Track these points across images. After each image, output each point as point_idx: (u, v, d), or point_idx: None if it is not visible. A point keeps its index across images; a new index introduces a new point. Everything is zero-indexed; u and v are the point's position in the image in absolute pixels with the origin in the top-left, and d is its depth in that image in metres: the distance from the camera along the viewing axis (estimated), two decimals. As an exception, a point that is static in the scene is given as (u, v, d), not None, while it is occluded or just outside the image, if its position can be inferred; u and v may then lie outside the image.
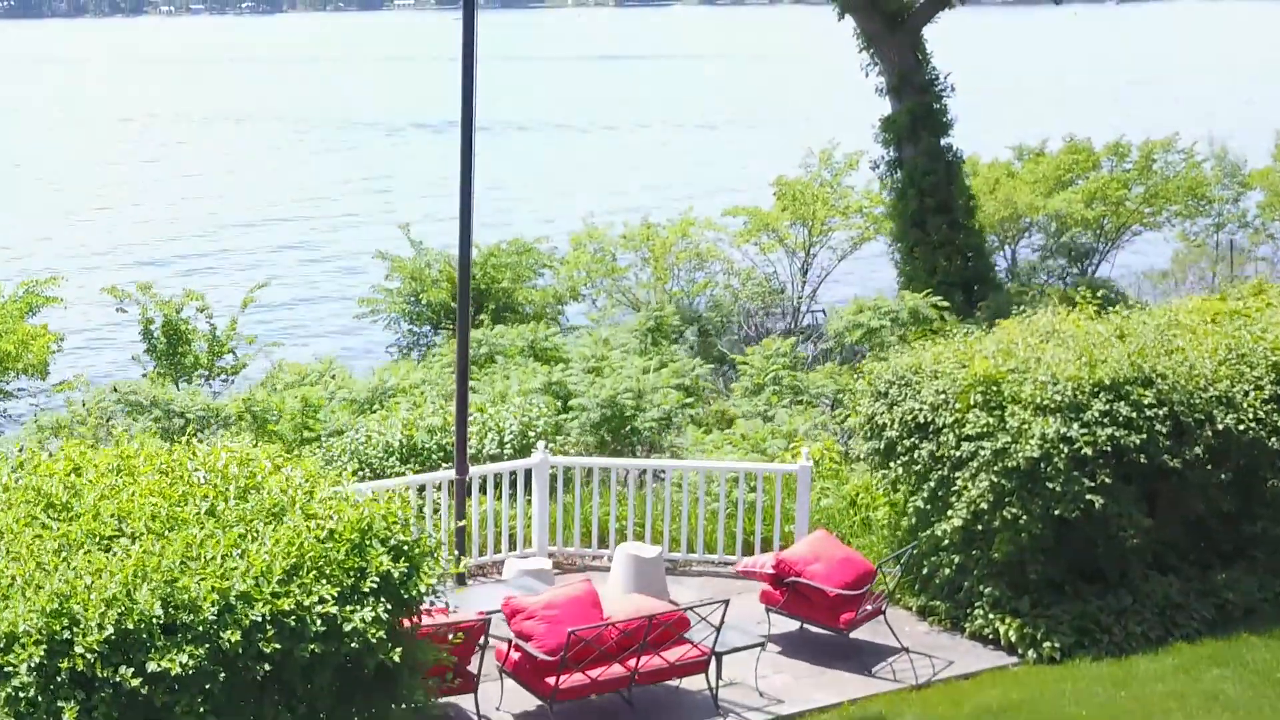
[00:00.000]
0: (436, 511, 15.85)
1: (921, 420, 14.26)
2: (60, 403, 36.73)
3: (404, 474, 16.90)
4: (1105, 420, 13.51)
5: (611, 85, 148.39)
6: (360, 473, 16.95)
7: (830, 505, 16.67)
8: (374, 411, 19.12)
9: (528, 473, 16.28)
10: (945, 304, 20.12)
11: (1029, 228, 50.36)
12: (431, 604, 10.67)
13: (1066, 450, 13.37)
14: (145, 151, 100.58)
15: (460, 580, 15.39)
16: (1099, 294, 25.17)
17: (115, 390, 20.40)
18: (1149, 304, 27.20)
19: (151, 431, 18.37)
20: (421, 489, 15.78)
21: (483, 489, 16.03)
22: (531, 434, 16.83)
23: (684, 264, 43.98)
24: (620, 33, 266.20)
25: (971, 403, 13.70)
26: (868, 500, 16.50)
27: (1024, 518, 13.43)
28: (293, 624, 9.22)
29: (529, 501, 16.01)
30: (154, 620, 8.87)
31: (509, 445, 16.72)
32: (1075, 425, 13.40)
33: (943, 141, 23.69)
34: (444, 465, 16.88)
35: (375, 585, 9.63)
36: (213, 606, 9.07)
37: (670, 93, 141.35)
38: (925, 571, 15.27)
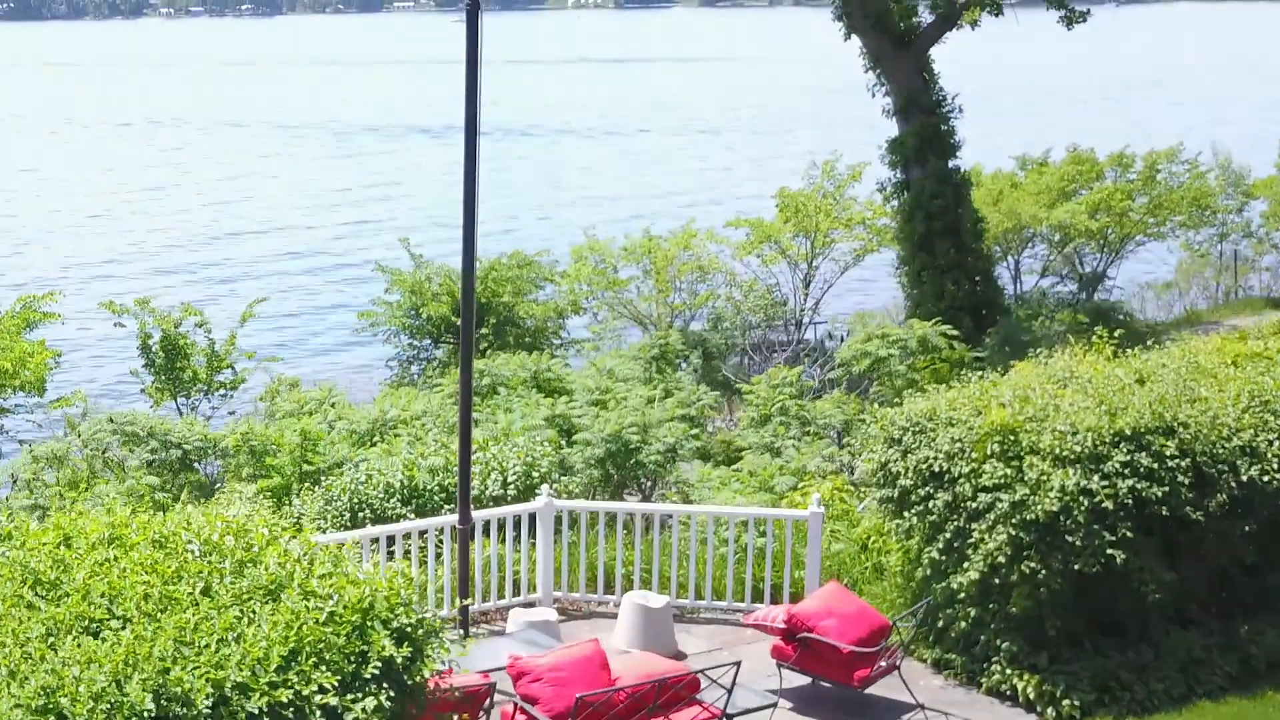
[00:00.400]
0: (440, 556, 15.51)
1: (936, 469, 13.88)
2: (58, 418, 36.47)
3: (405, 514, 16.54)
4: (1126, 471, 13.13)
5: (613, 89, 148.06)
6: (361, 513, 16.61)
7: (841, 550, 16.29)
8: (375, 444, 18.75)
9: (532, 516, 15.92)
10: (954, 332, 19.75)
11: (1032, 238, 50.10)
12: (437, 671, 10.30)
13: (1087, 503, 12.99)
14: (145, 158, 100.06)
15: (464, 628, 15.05)
16: (1109, 322, 24.78)
17: (112, 421, 20.01)
18: (1160, 329, 26.72)
19: (140, 476, 17.97)
20: (424, 534, 15.45)
21: (486, 533, 15.67)
22: (535, 474, 16.48)
23: (686, 276, 43.71)
24: (620, 35, 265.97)
25: (988, 452, 13.33)
26: (879, 544, 16.14)
27: (1043, 572, 13.05)
28: (291, 716, 8.83)
29: (533, 545, 15.65)
30: (145, 715, 8.48)
31: (512, 486, 16.36)
32: (1095, 477, 13.01)
33: (950, 164, 23.30)
34: (446, 507, 16.54)
35: (377, 671, 9.22)
36: (207, 699, 8.59)
37: (672, 97, 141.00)
38: (941, 624, 14.85)
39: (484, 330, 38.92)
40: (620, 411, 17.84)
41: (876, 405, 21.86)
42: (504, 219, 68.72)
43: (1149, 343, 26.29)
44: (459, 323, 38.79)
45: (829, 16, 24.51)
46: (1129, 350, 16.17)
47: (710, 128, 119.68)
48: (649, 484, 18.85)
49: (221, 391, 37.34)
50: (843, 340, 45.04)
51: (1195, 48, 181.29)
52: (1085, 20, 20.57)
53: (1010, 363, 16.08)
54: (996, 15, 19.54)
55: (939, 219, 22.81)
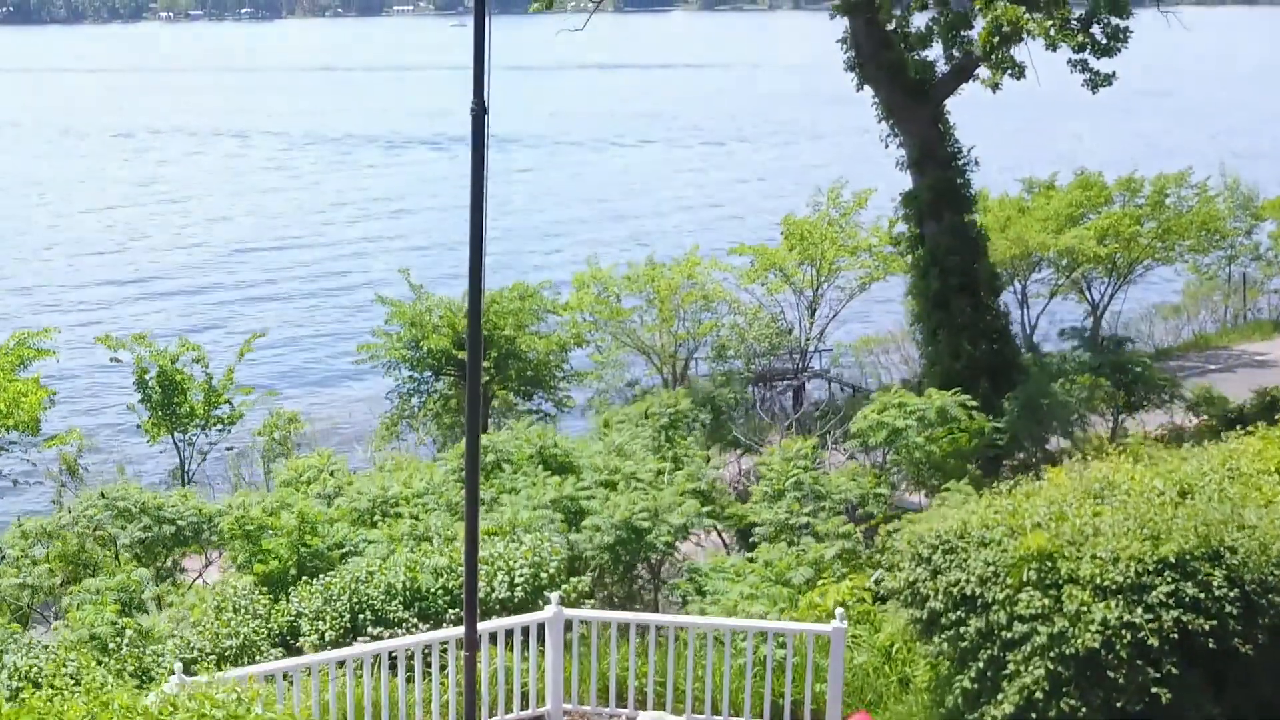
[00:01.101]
0: (444, 669, 14.80)
1: (969, 593, 13.10)
2: (53, 456, 35.84)
3: (407, 618, 15.84)
4: (1171, 603, 12.38)
5: (613, 96, 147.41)
6: (361, 614, 15.90)
7: (864, 661, 15.56)
8: (376, 523, 18.07)
9: (540, 626, 15.17)
10: (973, 403, 19.07)
11: (1039, 262, 49.51)
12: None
13: (1130, 637, 12.26)
14: (143, 172, 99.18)
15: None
16: (1127, 375, 24.11)
17: (104, 496, 19.31)
18: (1176, 383, 25.93)
19: (130, 571, 17.25)
20: (427, 649, 14.72)
21: (493, 641, 14.96)
22: (544, 575, 15.79)
23: (689, 305, 43.07)
24: (620, 39, 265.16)
25: (1024, 579, 12.59)
26: (904, 654, 15.41)
27: (1083, 709, 12.32)
28: None
29: (542, 653, 14.94)
30: None
31: (520, 588, 15.68)
32: (1139, 609, 12.26)
33: (966, 218, 22.63)
34: (450, 612, 15.82)
35: None
36: None
37: (673, 105, 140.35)
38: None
39: (485, 364, 38.30)
40: (630, 496, 17.17)
41: (892, 473, 21.19)
42: (505, 238, 68.04)
43: (1168, 399, 25.52)
44: (460, 356, 38.25)
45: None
46: (1161, 440, 15.51)
47: (712, 138, 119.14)
48: (659, 561, 18.22)
49: (219, 426, 36.86)
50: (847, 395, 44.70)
51: (1203, 54, 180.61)
52: (1111, 84, 19.93)
53: (1040, 466, 15.37)
54: (1018, 78, 18.88)
55: (955, 276, 22.14)
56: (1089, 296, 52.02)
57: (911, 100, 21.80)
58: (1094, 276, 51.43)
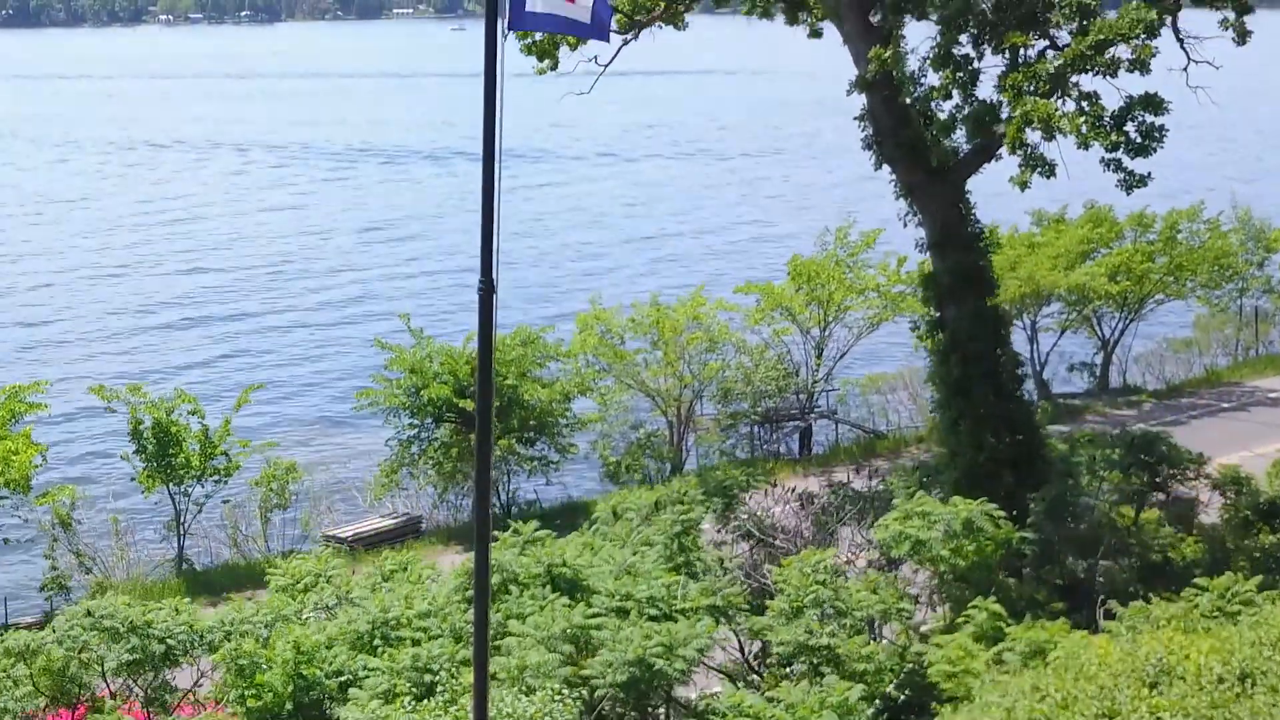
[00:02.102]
0: None
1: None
2: (45, 512, 35.10)
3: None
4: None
5: (614, 105, 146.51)
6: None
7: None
8: (376, 648, 17.23)
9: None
10: (999, 513, 18.26)
11: (1049, 297, 48.84)
12: None
13: None
14: (143, 190, 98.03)
15: None
16: (1153, 454, 23.31)
17: (89, 614, 18.47)
18: (1205, 459, 25.10)
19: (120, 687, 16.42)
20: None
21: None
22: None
23: (694, 346, 42.40)
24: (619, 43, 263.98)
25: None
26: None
27: None
28: None
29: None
30: None
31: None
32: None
33: (989, 302, 21.82)
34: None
35: None
36: None
37: (674, 115, 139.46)
38: None
39: (488, 413, 37.57)
40: (643, 628, 16.36)
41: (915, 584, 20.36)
42: (505, 267, 67.24)
43: (1194, 477, 24.64)
44: (462, 404, 37.49)
45: (857, 116, 22.83)
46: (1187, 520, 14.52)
47: (718, 152, 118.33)
48: (671, 687, 17.43)
49: (215, 477, 36.19)
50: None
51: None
52: (1146, 184, 19.10)
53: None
54: (1048, 177, 18.08)
55: (977, 363, 21.34)
56: (1099, 331, 51.36)
57: (932, 180, 21.02)
58: (1104, 311, 50.76)
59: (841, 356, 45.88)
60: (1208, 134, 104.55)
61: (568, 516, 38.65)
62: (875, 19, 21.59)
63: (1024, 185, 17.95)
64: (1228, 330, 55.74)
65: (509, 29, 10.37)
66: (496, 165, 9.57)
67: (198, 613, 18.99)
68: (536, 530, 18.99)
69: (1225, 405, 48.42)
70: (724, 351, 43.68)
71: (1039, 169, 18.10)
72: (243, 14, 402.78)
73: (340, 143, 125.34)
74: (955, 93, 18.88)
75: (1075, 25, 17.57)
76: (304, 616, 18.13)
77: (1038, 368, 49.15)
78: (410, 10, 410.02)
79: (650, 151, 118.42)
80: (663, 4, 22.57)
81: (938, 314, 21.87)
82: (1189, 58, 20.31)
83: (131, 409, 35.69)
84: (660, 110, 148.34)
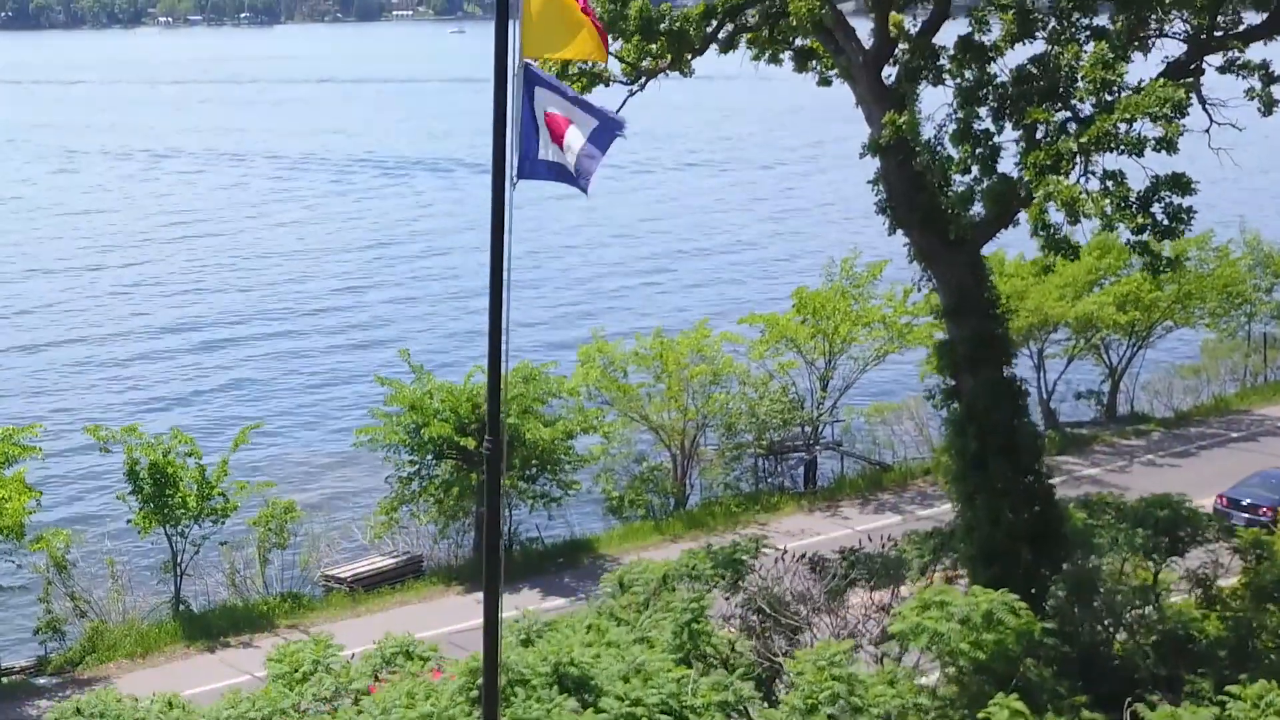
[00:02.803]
0: None
1: None
2: (40, 556, 34.50)
3: None
4: None
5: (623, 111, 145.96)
6: None
7: None
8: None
9: None
10: (1022, 604, 17.69)
11: (1056, 327, 48.41)
12: None
13: None
14: (142, 206, 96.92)
15: None
16: (1176, 526, 22.74)
17: (79, 713, 17.88)
18: (1227, 528, 24.55)
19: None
20: None
21: None
22: None
23: (698, 379, 41.96)
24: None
25: None
26: None
27: None
28: None
29: None
30: None
31: None
32: None
33: (1006, 372, 21.25)
34: None
35: None
36: None
37: (676, 125, 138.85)
38: None
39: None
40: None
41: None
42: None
43: (1214, 539, 24.08)
44: (463, 442, 36.97)
45: (870, 180, 22.27)
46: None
47: (720, 165, 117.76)
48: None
49: (212, 518, 35.69)
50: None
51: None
52: (1174, 269, 18.47)
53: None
54: (1072, 259, 17.56)
55: (995, 435, 20.75)
56: (1106, 359, 50.94)
57: (948, 247, 20.42)
58: (1112, 339, 50.30)
59: (847, 389, 45.42)
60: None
61: (570, 555, 38.12)
62: (889, 80, 21.01)
63: (1046, 270, 17.40)
64: (1236, 357, 55.31)
65: (517, 178, 10.03)
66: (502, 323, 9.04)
67: (190, 708, 18.41)
68: (542, 617, 18.43)
69: (1234, 435, 48.02)
70: (728, 384, 43.26)
71: (1063, 252, 17.53)
72: (242, 15, 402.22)
73: (340, 153, 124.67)
74: (975, 167, 18.28)
75: (1098, 99, 16.97)
76: (302, 709, 17.58)
77: (1045, 396, 48.70)
78: (410, 12, 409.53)
79: (659, 163, 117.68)
80: (669, 55, 21.98)
81: (953, 383, 21.28)
82: (1210, 119, 19.74)
83: (128, 449, 35.24)
84: (670, 119, 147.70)
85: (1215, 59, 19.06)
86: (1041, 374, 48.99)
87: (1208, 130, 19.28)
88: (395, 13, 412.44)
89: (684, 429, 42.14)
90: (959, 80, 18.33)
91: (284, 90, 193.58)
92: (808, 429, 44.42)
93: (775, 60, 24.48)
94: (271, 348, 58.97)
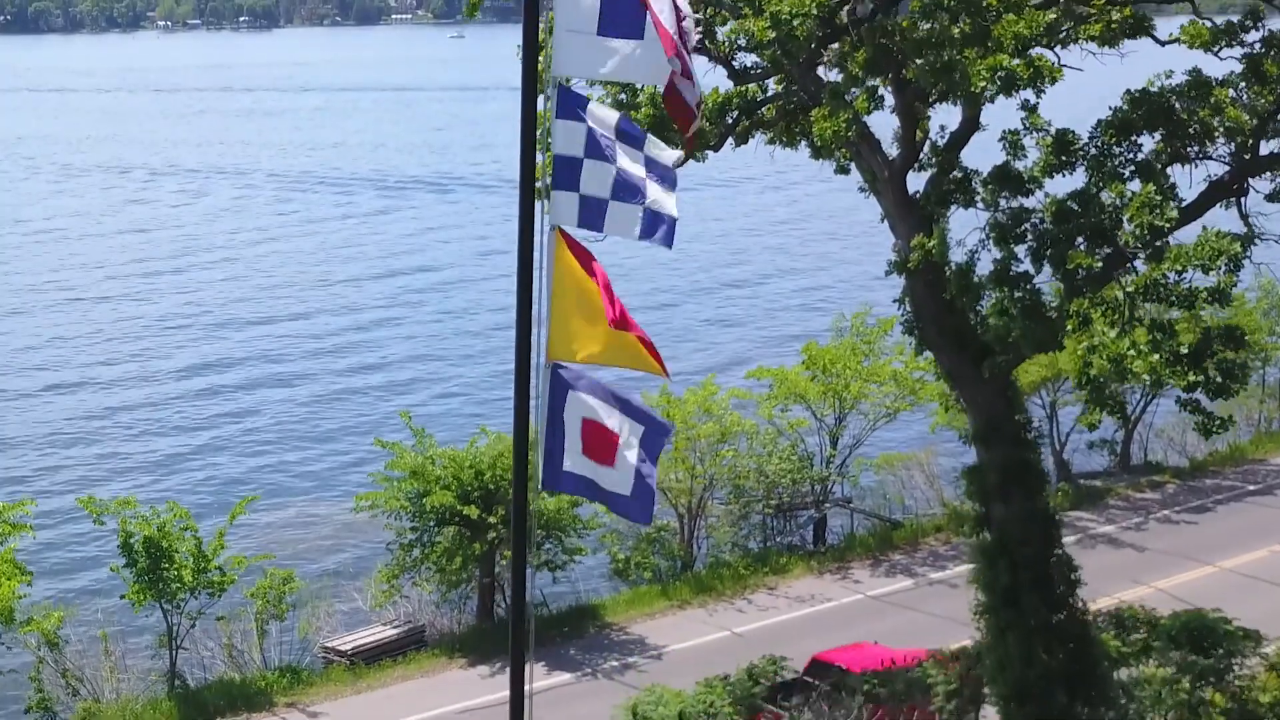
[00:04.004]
0: None
1: None
2: (33, 636, 33.65)
3: None
4: None
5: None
6: None
7: None
8: None
9: None
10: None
11: (1069, 378, 47.51)
12: None
13: None
14: (133, 241, 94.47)
15: None
16: (1210, 640, 21.83)
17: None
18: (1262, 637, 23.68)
19: None
20: None
21: None
22: None
23: (706, 437, 41.29)
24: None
25: None
26: None
27: None
28: None
29: None
30: None
31: None
32: None
33: (1039, 501, 20.31)
34: None
35: None
36: None
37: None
38: None
39: (492, 519, 36.34)
40: None
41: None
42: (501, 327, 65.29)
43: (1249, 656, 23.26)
44: (465, 511, 36.13)
45: (895, 299, 21.30)
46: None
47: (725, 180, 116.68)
48: None
49: (208, 591, 34.97)
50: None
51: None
52: (1226, 429, 17.60)
53: None
54: (1117, 416, 16.70)
55: (1027, 569, 19.83)
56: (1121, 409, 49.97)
57: (978, 370, 19.45)
58: (1125, 387, 49.37)
59: (857, 445, 44.73)
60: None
61: (576, 623, 37.26)
62: (915, 188, 20.08)
63: (1092, 426, 16.47)
64: (1250, 403, 54.49)
65: (542, 488, 9.14)
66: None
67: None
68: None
69: (1251, 488, 47.32)
70: (736, 441, 42.62)
71: (1109, 408, 16.60)
72: (241, 20, 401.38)
73: (341, 171, 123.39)
74: (1013, 310, 17.32)
75: (1145, 245, 16.04)
76: None
77: (1057, 446, 47.82)
78: (409, 16, 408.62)
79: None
80: (683, 151, 20.95)
81: (983, 511, 20.32)
82: (1253, 233, 18.81)
83: (122, 522, 34.62)
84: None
85: (1262, 184, 18.15)
86: (1054, 423, 48.18)
87: (1249, 247, 18.33)
88: (394, 16, 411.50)
89: (691, 489, 41.42)
90: (993, 211, 17.37)
91: (282, 100, 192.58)
92: (817, 487, 43.70)
93: (791, 146, 23.60)
94: (266, 398, 57.42)
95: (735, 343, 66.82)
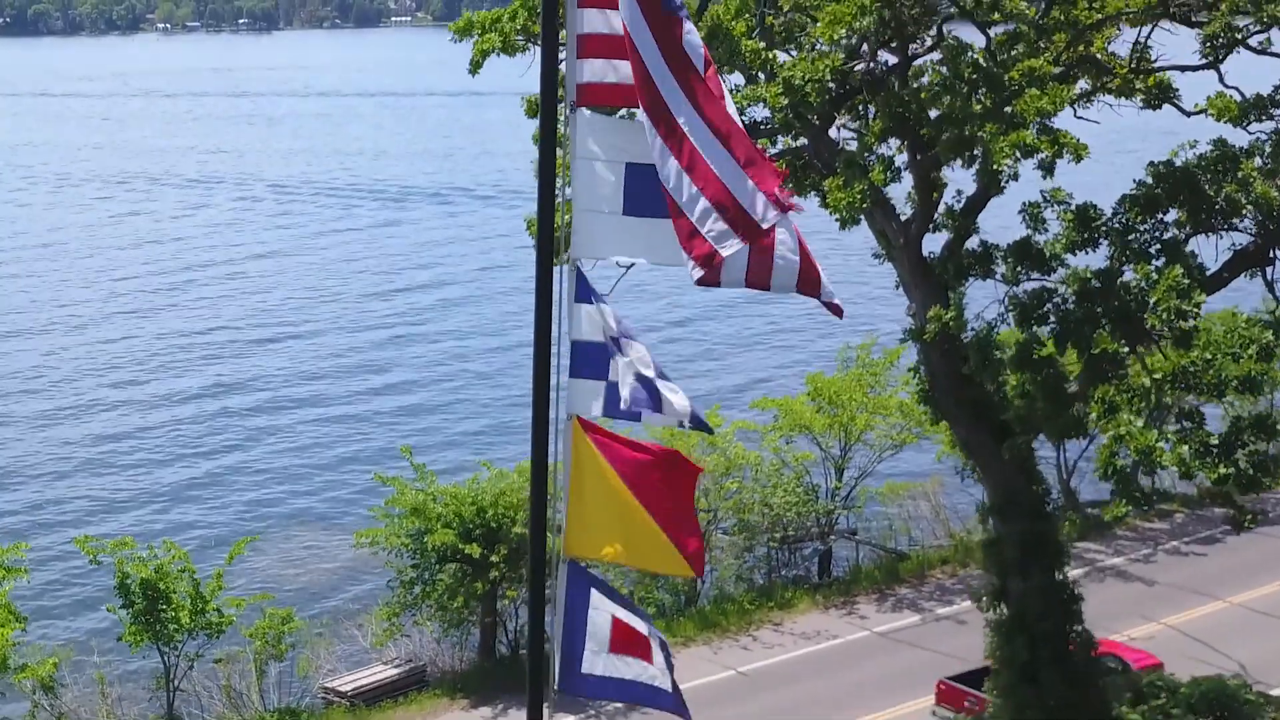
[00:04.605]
0: None
1: None
2: (29, 688, 33.21)
3: None
4: None
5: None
6: None
7: None
8: None
9: None
10: None
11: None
12: None
13: None
14: (131, 259, 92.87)
15: None
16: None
17: None
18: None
19: None
20: None
21: None
22: None
23: (711, 471, 40.86)
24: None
25: None
26: None
27: None
28: None
29: None
30: None
31: None
32: None
33: (1058, 575, 19.77)
34: None
35: None
36: None
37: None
38: None
39: (494, 558, 35.93)
40: None
41: None
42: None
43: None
44: (467, 550, 35.66)
45: (911, 367, 20.81)
46: None
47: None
48: None
49: (206, 631, 34.52)
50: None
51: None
52: (1255, 526, 17.08)
53: None
54: (1150, 512, 16.19)
55: (1047, 644, 19.29)
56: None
57: (995, 441, 18.91)
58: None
59: (863, 477, 44.34)
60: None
61: (579, 660, 36.79)
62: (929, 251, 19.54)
63: (1118, 518, 15.95)
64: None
65: (558, 689, 8.65)
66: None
67: None
68: None
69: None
70: (740, 473, 42.26)
71: (1138, 501, 16.08)
72: (240, 22, 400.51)
73: (341, 182, 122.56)
74: (1038, 394, 16.78)
75: (1172, 330, 15.52)
76: None
77: (1064, 475, 47.32)
78: (408, 18, 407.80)
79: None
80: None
81: (1001, 584, 19.77)
82: (1277, 300, 18.29)
83: (119, 562, 34.22)
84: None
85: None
86: (1061, 452, 47.68)
87: (1274, 313, 17.81)
88: (394, 19, 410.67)
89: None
90: (1012, 287, 16.84)
91: (282, 105, 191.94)
92: (822, 519, 43.32)
93: (800, 194, 23.05)
94: (264, 427, 56.34)
95: (743, 367, 66.09)
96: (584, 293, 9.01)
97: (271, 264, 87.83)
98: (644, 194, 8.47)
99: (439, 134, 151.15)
